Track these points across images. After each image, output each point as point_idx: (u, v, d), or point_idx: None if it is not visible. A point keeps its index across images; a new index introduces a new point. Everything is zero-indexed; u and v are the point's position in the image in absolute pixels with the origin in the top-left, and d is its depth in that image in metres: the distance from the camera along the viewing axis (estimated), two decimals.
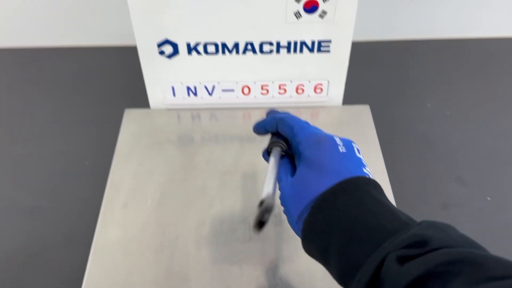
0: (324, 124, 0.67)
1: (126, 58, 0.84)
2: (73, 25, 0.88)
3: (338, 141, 0.35)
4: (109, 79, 0.86)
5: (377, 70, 0.90)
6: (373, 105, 0.71)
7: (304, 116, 0.68)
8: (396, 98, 0.87)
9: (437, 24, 0.95)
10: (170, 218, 0.55)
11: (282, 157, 0.38)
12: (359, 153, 0.35)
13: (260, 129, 0.41)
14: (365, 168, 0.34)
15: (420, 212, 0.69)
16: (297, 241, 0.34)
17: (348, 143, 0.35)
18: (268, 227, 0.54)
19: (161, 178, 0.59)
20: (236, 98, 0.68)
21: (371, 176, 0.33)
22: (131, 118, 0.68)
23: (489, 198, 0.71)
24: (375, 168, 0.60)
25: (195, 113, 0.69)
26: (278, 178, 0.36)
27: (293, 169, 0.37)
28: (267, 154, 0.39)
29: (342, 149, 0.34)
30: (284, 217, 0.36)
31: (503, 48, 0.96)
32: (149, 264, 0.51)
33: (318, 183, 0.32)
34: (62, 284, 0.59)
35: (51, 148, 0.77)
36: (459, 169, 0.76)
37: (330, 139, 0.35)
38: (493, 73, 0.92)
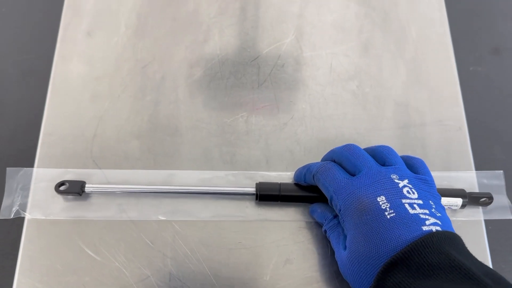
0: None
1: None
2: None
3: (383, 203, 0.29)
4: None
5: None
6: None
7: None
8: None
9: None
10: (153, 53, 0.41)
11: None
12: (415, 192, 0.30)
13: (299, 180, 0.35)
14: (427, 221, 0.29)
15: (466, 57, 0.56)
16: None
17: (395, 199, 0.30)
18: (281, 73, 0.40)
19: None
20: None
21: (436, 227, 0.28)
22: None
23: None
24: (432, 7, 0.44)
25: None
26: (332, 246, 0.33)
27: (343, 234, 0.32)
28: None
29: (390, 213, 0.29)
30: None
31: None
32: (127, 111, 0.38)
33: (373, 260, 0.28)
34: (19, 130, 0.48)
35: None
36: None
37: (374, 207, 0.29)
38: None
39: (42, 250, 0.34)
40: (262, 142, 0.38)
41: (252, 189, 0.35)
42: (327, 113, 0.39)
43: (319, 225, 0.35)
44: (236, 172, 0.37)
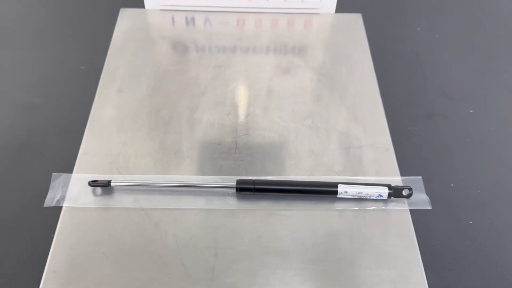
0: (317, 32, 0.68)
1: None
2: None
3: None
4: None
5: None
6: (367, 27, 0.72)
7: (297, 24, 0.69)
8: (390, 21, 0.88)
9: None
10: (164, 102, 0.57)
11: None
12: None
13: None
14: None
15: (404, 120, 0.72)
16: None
17: None
18: (257, 113, 0.56)
19: (155, 68, 0.61)
20: (231, 1, 0.68)
21: None
22: (125, 17, 0.68)
23: (471, 111, 0.74)
24: (365, 75, 0.62)
25: (189, 16, 0.69)
26: None
27: None
28: None
29: None
30: None
31: None
32: (144, 138, 0.53)
33: None
34: (56, 167, 0.61)
35: (48, 51, 0.77)
36: (445, 84, 0.78)
37: None
38: (479, 2, 0.94)
39: (73, 229, 0.45)
40: (246, 158, 0.51)
41: (234, 184, 0.47)
42: (290, 139, 0.53)
43: (284, 212, 0.47)
44: (224, 176, 0.49)
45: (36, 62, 0.77)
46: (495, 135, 0.70)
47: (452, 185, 0.64)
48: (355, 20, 0.70)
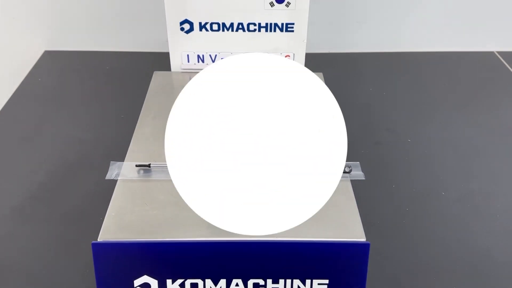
0: None
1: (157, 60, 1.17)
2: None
3: None
4: (140, 66, 1.19)
5: (329, 68, 1.24)
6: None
7: None
8: (347, 82, 1.19)
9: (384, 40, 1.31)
10: None
11: None
12: None
13: None
14: None
15: (358, 146, 0.97)
16: None
17: None
18: None
19: None
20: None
21: None
22: (158, 76, 0.98)
23: (409, 140, 1.00)
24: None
25: None
26: None
27: None
28: None
29: None
30: None
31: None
32: None
33: None
34: (117, 151, 0.85)
35: (97, 106, 1.07)
36: (390, 124, 1.05)
37: None
38: (416, 76, 1.26)
39: (125, 192, 0.68)
40: None
41: None
42: None
43: None
44: None
45: (88, 113, 1.05)
46: (427, 156, 0.95)
47: (393, 186, 0.87)
48: (318, 77, 0.99)
